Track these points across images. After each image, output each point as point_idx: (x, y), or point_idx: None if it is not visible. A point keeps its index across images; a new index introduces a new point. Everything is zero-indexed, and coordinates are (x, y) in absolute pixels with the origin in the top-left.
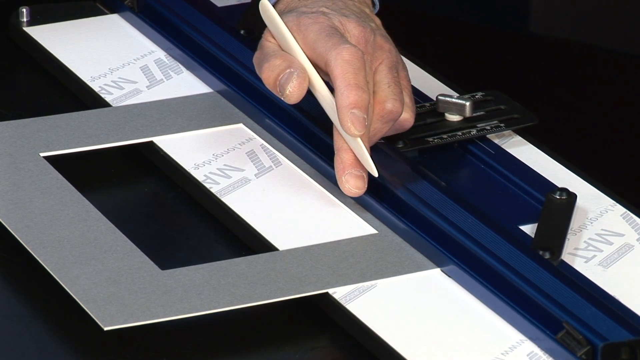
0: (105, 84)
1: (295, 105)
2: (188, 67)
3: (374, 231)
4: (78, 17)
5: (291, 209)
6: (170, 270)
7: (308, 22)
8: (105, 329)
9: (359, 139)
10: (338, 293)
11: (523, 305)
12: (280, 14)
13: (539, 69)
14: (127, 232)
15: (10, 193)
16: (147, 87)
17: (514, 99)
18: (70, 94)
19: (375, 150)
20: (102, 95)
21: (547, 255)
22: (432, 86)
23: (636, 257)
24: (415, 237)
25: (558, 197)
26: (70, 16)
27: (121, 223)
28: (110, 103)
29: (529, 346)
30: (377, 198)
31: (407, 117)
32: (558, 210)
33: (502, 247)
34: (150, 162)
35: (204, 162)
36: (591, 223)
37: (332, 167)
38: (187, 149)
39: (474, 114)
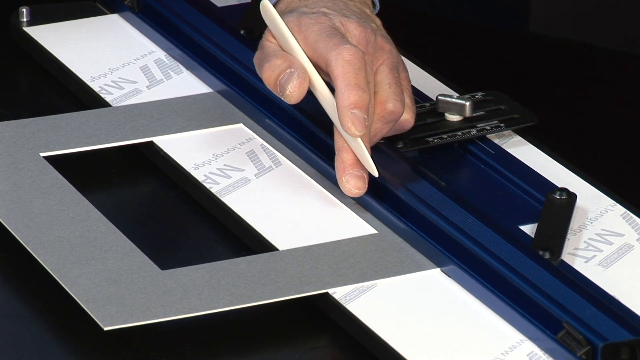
0: (105, 84)
1: (295, 105)
2: (188, 67)
3: (374, 231)
4: (78, 17)
5: (291, 209)
6: (170, 270)
7: (309, 23)
8: (105, 329)
9: (359, 139)
10: (338, 293)
11: (523, 305)
12: (281, 14)
13: (539, 69)
14: (127, 232)
15: (10, 193)
16: (147, 87)
17: (514, 99)
18: (70, 94)
19: (375, 150)
20: (102, 95)
21: (547, 255)
22: (432, 86)
23: (636, 257)
24: (415, 237)
25: (558, 197)
26: (70, 16)
27: (121, 223)
28: (110, 103)
29: (529, 346)
30: (377, 198)
31: (408, 118)
32: (558, 210)
33: (502, 247)
34: (150, 162)
35: (204, 162)
36: (591, 223)
37: (333, 167)
38: (187, 149)
39: (474, 114)
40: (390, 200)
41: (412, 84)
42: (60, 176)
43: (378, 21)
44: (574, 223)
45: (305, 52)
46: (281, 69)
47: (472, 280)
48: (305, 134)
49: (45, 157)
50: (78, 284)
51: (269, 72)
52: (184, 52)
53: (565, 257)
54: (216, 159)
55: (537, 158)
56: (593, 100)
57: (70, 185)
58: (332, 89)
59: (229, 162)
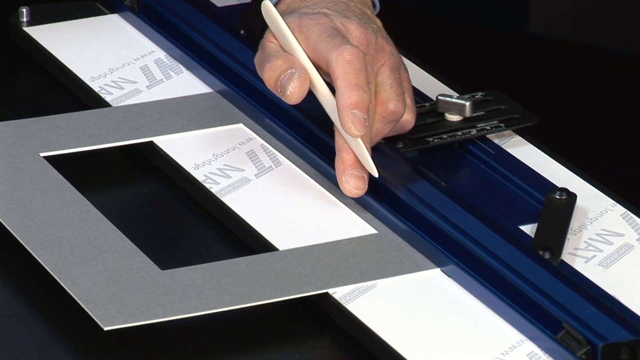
0: (105, 84)
1: (295, 106)
2: (188, 67)
3: (374, 231)
4: (78, 17)
5: (291, 209)
6: (170, 270)
7: (310, 23)
8: (105, 329)
9: (359, 140)
10: (338, 293)
11: (523, 305)
12: (282, 14)
13: (539, 69)
14: (127, 232)
15: (10, 193)
16: (147, 87)
17: (514, 99)
18: (70, 94)
19: (375, 151)
20: (102, 95)
21: (547, 255)
22: (432, 86)
23: (636, 257)
24: (415, 237)
25: (558, 197)
26: (70, 16)
27: (121, 223)
28: (110, 103)
29: (529, 346)
30: (377, 198)
31: (408, 119)
32: (558, 210)
33: (502, 247)
34: (150, 162)
35: (204, 162)
36: (591, 223)
37: (333, 167)
38: (187, 149)
39: (474, 114)
40: (390, 200)
41: (413, 84)
42: (60, 176)
43: (379, 22)
44: (574, 223)
45: (306, 53)
46: (282, 70)
47: (472, 280)
48: (305, 134)
49: (45, 157)
50: (78, 284)
51: (270, 73)
52: (184, 52)
53: (565, 257)
54: (216, 159)
55: (537, 158)
56: (593, 100)
57: (70, 185)
58: (333, 90)
59: (229, 162)
